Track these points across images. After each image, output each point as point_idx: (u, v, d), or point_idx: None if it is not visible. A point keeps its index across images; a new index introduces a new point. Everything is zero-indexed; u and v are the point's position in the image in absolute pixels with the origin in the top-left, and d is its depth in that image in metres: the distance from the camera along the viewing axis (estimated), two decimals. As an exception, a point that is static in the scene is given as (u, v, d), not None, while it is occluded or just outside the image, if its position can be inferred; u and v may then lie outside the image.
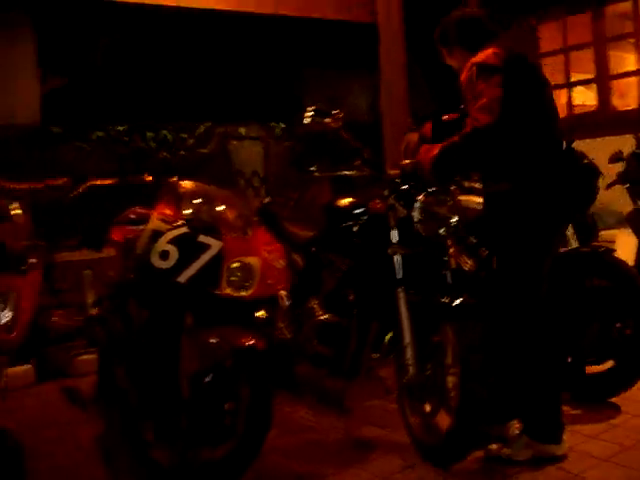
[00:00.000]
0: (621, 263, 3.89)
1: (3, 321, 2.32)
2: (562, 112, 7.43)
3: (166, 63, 7.63)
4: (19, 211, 2.62)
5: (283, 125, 7.30)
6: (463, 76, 3.20)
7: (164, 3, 5.85)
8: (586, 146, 6.26)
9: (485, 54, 3.15)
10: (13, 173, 5.75)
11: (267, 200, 4.88)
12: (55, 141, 6.21)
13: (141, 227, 3.75)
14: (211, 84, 7.67)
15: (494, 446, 3.22)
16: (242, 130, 7.02)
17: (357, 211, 3.65)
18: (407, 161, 3.39)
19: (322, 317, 3.78)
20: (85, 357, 5.11)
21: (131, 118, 6.98)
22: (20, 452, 2.24)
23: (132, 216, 4.06)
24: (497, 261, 3.29)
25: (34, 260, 2.46)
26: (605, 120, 6.77)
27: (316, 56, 7.74)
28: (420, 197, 3.26)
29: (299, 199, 6.47)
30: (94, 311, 4.44)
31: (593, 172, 3.61)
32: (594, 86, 7.23)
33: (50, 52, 7.02)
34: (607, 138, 6.18)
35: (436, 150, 3.16)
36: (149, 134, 6.68)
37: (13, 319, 2.33)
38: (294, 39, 7.29)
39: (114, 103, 7.39)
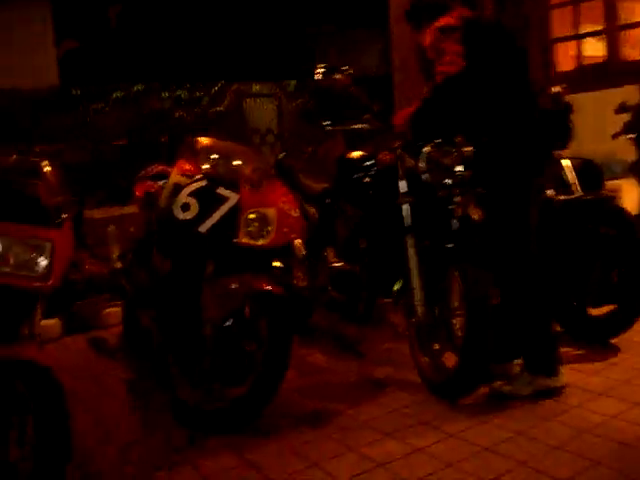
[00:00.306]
0: (622, 211, 4.03)
1: (40, 270, 2.49)
2: (572, 64, 7.49)
3: (180, 23, 7.73)
4: (49, 168, 2.79)
5: (296, 82, 7.40)
6: (427, 41, 3.41)
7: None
8: (594, 97, 6.40)
9: (444, 19, 3.37)
10: (35, 134, 5.99)
11: (282, 155, 5.04)
12: (74, 102, 6.37)
13: (161, 182, 3.95)
14: (225, 43, 7.78)
15: (498, 383, 3.41)
16: (256, 87, 7.14)
17: (368, 163, 3.81)
18: None
19: (336, 265, 3.97)
20: (110, 310, 5.34)
21: (147, 78, 7.12)
22: (62, 390, 2.43)
23: (152, 172, 4.25)
24: (489, 203, 3.46)
25: (67, 215, 2.62)
26: (614, 71, 6.80)
27: (328, 13, 7.82)
28: (426, 148, 3.41)
29: (313, 152, 6.62)
30: (119, 264, 4.66)
31: (564, 109, 3.81)
32: (604, 37, 7.25)
33: (64, 15, 7.14)
34: (616, 89, 6.23)
35: (413, 108, 3.39)
36: (164, 94, 6.82)
37: (49, 268, 2.50)
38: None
39: (130, 64, 7.54)
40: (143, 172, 4.35)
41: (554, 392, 3.32)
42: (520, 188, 3.36)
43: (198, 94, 6.94)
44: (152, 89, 6.75)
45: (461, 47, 3.20)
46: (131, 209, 5.72)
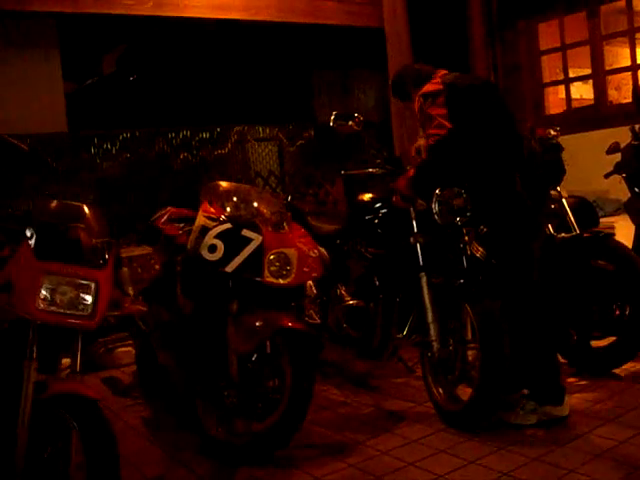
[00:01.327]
0: (622, 247, 4.23)
1: (86, 309, 2.64)
2: (561, 107, 7.78)
3: (185, 71, 7.95)
4: (90, 211, 2.95)
5: (296, 125, 7.64)
6: (415, 108, 3.75)
7: (182, 15, 6.14)
8: (585, 139, 6.65)
9: (426, 85, 3.69)
10: (46, 176, 6.14)
11: (290, 197, 5.23)
12: (83, 145, 6.55)
13: (181, 225, 4.11)
14: (227, 88, 7.99)
15: (505, 413, 3.56)
16: (258, 130, 7.35)
17: (381, 205, 4.01)
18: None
19: (350, 302, 4.15)
20: (123, 349, 5.46)
21: (151, 121, 7.33)
22: (109, 423, 2.57)
23: (166, 215, 4.40)
24: (493, 243, 3.68)
25: (109, 256, 2.78)
26: (602, 114, 7.08)
27: (327, 59, 8.06)
28: (437, 190, 3.62)
29: (315, 195, 6.82)
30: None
31: (554, 149, 4.07)
32: (591, 81, 7.55)
33: (64, 58, 7.29)
34: (605, 130, 6.49)
35: (411, 172, 3.69)
36: (171, 134, 7.00)
37: (94, 307, 2.64)
38: (306, 44, 7.61)
39: (134, 107, 7.73)
40: (157, 215, 4.49)
41: (559, 421, 3.49)
42: (520, 225, 3.57)
43: (202, 135, 7.13)
44: (158, 132, 6.93)
45: (446, 110, 3.50)
46: (141, 250, 5.88)
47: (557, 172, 4.28)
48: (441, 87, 3.60)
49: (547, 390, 3.55)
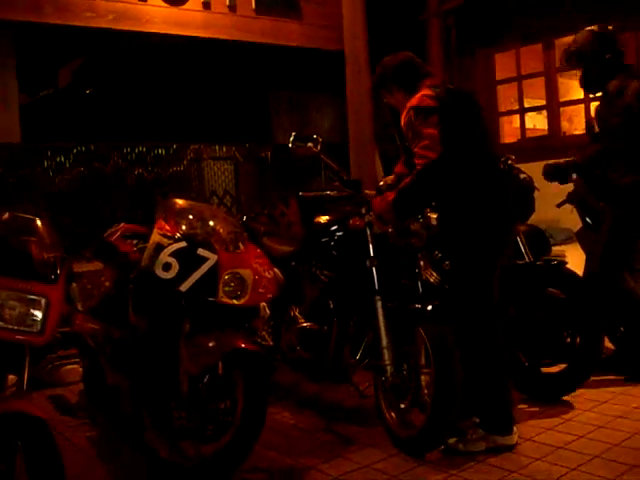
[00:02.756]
0: (574, 276, 4.29)
1: (35, 325, 2.57)
2: (516, 136, 7.92)
3: (142, 87, 7.90)
4: (42, 225, 2.89)
5: (252, 145, 7.63)
6: (403, 120, 3.58)
7: (141, 29, 6.10)
8: (538, 168, 6.74)
9: (419, 97, 3.52)
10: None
11: (245, 218, 5.20)
12: (36, 157, 6.44)
13: (134, 242, 4.05)
14: (185, 106, 7.96)
15: (452, 439, 3.54)
16: (215, 148, 7.32)
17: (337, 227, 4.00)
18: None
19: (304, 324, 4.12)
20: (68, 367, 5.34)
21: (106, 137, 7.26)
22: (55, 442, 2.50)
23: (119, 231, 4.33)
24: (452, 271, 3.68)
25: (61, 271, 2.71)
26: (555, 144, 7.21)
27: (285, 81, 8.10)
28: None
29: (269, 215, 6.79)
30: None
31: (528, 187, 4.13)
32: (544, 112, 7.70)
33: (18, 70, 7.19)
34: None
35: (391, 196, 3.53)
36: (126, 149, 6.93)
37: (44, 323, 2.58)
38: (264, 65, 7.63)
39: (91, 121, 7.65)
40: (111, 230, 4.42)
41: (508, 448, 3.49)
42: (488, 256, 3.57)
43: (158, 152, 7.07)
44: (113, 146, 6.86)
45: (437, 131, 3.36)
46: (90, 266, 5.78)
47: (527, 210, 4.35)
48: (433, 104, 3.44)
49: (497, 419, 3.55)
